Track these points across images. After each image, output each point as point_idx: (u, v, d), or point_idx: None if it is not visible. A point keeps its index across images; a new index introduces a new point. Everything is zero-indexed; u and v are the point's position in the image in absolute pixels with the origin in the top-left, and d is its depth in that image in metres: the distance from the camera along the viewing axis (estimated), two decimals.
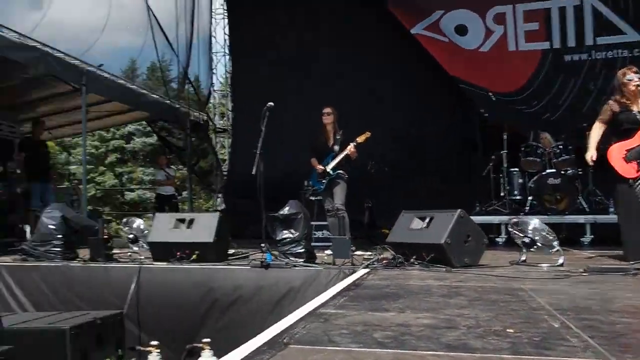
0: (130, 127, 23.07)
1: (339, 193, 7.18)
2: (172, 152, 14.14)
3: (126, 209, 23.20)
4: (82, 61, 9.56)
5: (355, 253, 5.88)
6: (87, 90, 9.28)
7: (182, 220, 6.34)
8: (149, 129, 20.84)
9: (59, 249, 6.56)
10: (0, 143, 10.04)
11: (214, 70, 14.68)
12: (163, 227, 6.34)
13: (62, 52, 9.12)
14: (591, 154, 5.68)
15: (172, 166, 13.59)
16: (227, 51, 14.44)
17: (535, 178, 8.74)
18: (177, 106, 12.52)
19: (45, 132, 10.81)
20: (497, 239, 8.54)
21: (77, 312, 5.26)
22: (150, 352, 4.59)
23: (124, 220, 7.31)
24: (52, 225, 6.64)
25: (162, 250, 6.13)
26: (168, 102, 12.18)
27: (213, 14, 14.50)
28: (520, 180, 9.19)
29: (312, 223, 7.03)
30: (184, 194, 15.36)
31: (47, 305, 5.99)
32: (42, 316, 5.08)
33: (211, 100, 14.97)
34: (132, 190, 24.15)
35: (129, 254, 6.82)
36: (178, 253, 5.97)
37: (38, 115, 10.80)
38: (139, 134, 24.32)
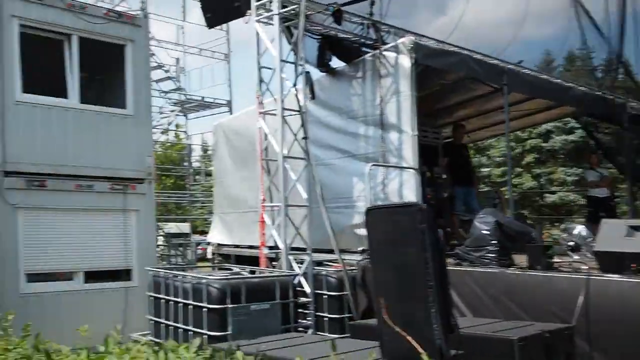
0: (549, 125, 22.63)
1: None
2: (600, 149, 13.43)
3: (546, 212, 22.94)
4: (500, 60, 9.70)
5: None
6: (509, 90, 9.34)
7: (636, 228, 5.87)
8: (570, 125, 20.25)
9: (493, 255, 6.77)
10: (426, 149, 10.87)
11: None
12: (612, 235, 6.02)
13: (481, 53, 9.40)
14: None
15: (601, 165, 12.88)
16: None
17: None
18: (611, 97, 11.69)
19: (465, 136, 11.32)
20: None
21: (520, 322, 5.39)
22: None
23: (562, 226, 7.22)
24: (486, 230, 6.89)
25: (612, 261, 5.82)
26: (598, 93, 11.49)
27: None
28: None
29: None
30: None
31: (484, 310, 6.23)
32: (484, 323, 5.33)
33: None
34: (552, 192, 23.86)
35: (570, 263, 6.62)
36: (633, 265, 5.59)
37: (455, 119, 11.41)
38: (558, 131, 23.74)
